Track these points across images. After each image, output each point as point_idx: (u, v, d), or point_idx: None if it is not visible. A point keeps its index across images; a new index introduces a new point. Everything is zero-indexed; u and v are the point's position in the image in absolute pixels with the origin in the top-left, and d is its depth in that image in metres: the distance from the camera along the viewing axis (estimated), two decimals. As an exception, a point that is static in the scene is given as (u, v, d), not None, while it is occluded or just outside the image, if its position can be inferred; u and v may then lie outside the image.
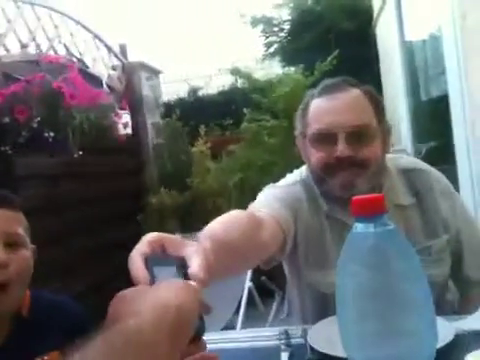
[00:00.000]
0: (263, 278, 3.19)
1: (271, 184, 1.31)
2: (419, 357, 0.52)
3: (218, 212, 3.79)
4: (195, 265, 0.61)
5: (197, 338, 0.56)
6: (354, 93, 1.14)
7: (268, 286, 3.24)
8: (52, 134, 2.30)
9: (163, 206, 3.93)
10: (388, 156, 1.23)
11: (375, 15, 5.22)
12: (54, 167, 2.90)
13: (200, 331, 0.56)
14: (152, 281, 0.59)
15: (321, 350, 0.94)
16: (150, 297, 0.52)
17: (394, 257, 0.54)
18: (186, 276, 0.59)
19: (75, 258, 3.03)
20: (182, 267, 0.60)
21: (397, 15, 3.29)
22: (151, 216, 4.00)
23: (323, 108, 1.14)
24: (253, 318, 3.14)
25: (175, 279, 0.59)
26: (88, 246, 3.19)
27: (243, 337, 1.15)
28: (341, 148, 1.09)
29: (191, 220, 3.96)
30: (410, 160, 1.34)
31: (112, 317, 0.51)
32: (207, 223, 3.69)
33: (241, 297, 3.16)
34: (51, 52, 3.19)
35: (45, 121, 2.28)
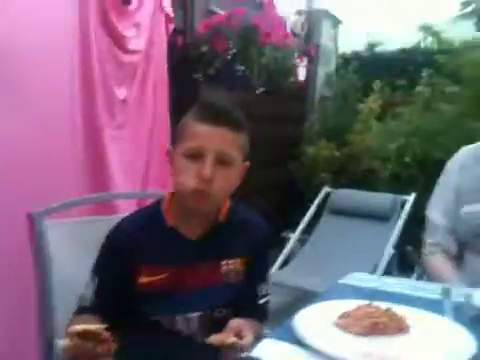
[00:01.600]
0: (409, 248, 3.08)
1: None
2: None
3: (372, 174, 3.72)
4: None
5: None
6: None
7: (411, 257, 3.11)
8: (242, 68, 2.45)
9: (318, 157, 3.97)
10: None
11: None
12: (232, 102, 3.10)
13: None
14: None
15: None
16: None
17: None
18: None
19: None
20: None
21: None
22: (304, 165, 4.07)
23: None
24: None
25: None
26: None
27: (405, 285, 1.20)
28: None
29: (342, 177, 3.96)
30: None
31: None
32: (358, 182, 3.66)
33: (379, 262, 3.12)
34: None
35: (239, 54, 2.44)
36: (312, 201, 3.73)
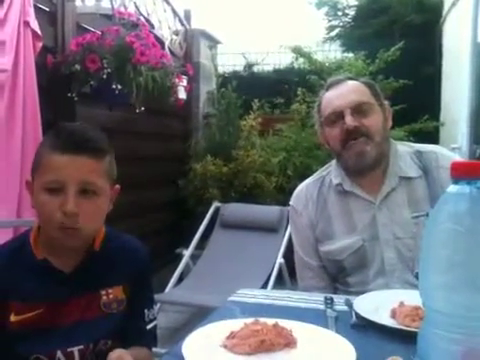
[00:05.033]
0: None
1: None
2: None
3: (258, 187, 3.86)
4: None
5: None
6: (353, 83, 1.42)
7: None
8: (120, 86, 2.38)
9: (206, 173, 4.01)
10: (408, 143, 1.52)
11: (444, 12, 5.07)
12: (113, 121, 3.01)
13: None
14: None
15: (367, 317, 1.00)
16: None
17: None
18: None
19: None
20: None
21: (473, 15, 3.20)
22: (192, 181, 4.10)
23: (331, 97, 1.41)
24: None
25: None
26: (128, 201, 3.29)
27: (292, 297, 1.22)
28: (348, 120, 1.34)
29: (230, 191, 4.04)
30: (428, 145, 1.49)
31: None
32: (245, 196, 3.78)
33: (271, 272, 3.22)
34: (122, 8, 3.27)
35: (114, 73, 2.37)
36: (205, 216, 3.75)
